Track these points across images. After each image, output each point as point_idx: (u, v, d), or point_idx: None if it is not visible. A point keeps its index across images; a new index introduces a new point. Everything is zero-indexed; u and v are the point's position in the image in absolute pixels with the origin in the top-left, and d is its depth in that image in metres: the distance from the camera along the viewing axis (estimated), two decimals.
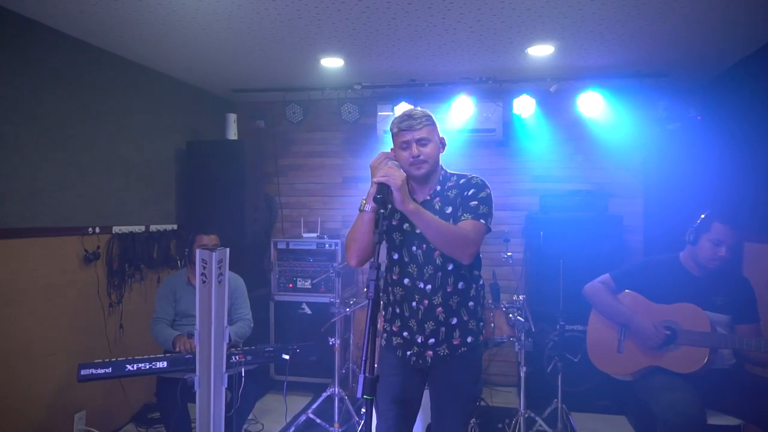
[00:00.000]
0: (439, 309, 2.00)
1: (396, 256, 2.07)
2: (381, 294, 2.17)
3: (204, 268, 2.41)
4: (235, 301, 3.35)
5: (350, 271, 4.42)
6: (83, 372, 2.54)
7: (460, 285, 2.01)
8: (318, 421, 3.53)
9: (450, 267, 1.99)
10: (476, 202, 1.97)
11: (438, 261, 1.99)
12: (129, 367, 2.61)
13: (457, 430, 2.04)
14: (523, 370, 3.19)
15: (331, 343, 3.54)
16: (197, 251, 2.43)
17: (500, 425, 3.47)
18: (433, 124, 2.01)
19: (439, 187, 2.05)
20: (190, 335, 2.95)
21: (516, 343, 3.13)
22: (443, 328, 2.01)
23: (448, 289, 2.00)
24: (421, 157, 1.96)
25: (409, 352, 2.05)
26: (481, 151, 4.62)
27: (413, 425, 2.09)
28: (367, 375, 1.62)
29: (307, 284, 4.36)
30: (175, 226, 4.14)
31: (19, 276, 2.90)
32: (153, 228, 3.90)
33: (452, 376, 2.04)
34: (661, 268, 2.69)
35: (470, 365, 2.06)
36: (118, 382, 3.41)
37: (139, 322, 3.59)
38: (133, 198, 3.76)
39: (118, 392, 3.51)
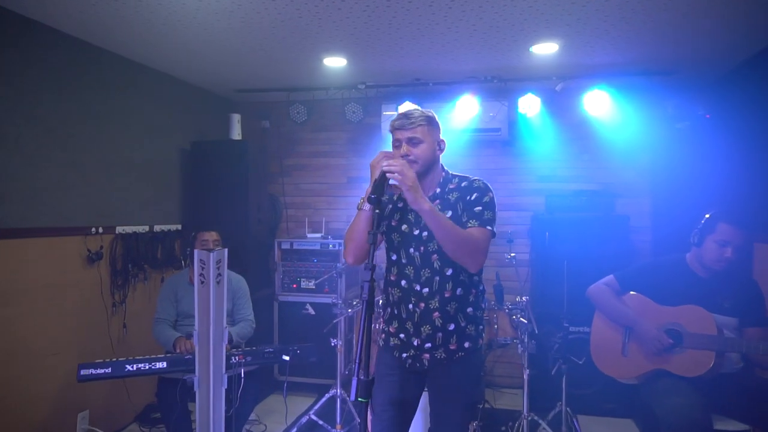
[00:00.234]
0: (436, 314, 1.96)
1: (394, 257, 2.04)
2: (381, 294, 2.15)
3: (202, 268, 2.40)
4: (237, 302, 3.35)
5: (354, 271, 4.40)
6: (83, 372, 2.54)
7: (459, 291, 1.97)
8: (320, 422, 3.51)
9: (449, 272, 1.95)
10: (480, 208, 1.93)
11: (436, 265, 1.96)
12: (128, 367, 2.61)
13: None
14: (526, 372, 3.15)
15: (333, 344, 3.52)
16: (195, 251, 2.42)
17: (503, 428, 3.43)
18: (431, 124, 1.96)
19: (439, 189, 2.01)
20: (189, 336, 2.95)
21: (519, 345, 3.09)
22: (440, 334, 1.97)
23: (446, 295, 1.96)
24: (411, 158, 1.92)
25: (405, 355, 2.02)
26: (487, 151, 4.58)
27: (409, 428, 2.06)
28: (361, 377, 1.60)
29: (311, 285, 4.35)
30: (179, 227, 4.14)
31: (21, 276, 2.91)
32: (157, 228, 3.90)
33: (451, 379, 2.01)
34: (666, 270, 2.64)
35: (469, 369, 2.03)
36: (121, 382, 3.42)
37: (143, 322, 3.60)
38: (136, 198, 3.76)
39: (121, 392, 3.52)
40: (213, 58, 3.67)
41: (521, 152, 4.56)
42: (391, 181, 1.83)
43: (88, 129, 3.35)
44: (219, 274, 2.43)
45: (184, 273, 3.39)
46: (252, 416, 3.58)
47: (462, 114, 4.17)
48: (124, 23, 2.99)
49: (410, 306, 1.99)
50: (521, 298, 3.24)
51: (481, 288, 2.07)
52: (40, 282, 3.02)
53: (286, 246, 4.47)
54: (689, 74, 3.99)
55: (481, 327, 2.06)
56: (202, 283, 2.41)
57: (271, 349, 2.84)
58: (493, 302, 3.31)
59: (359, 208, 1.93)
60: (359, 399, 1.61)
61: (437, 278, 1.95)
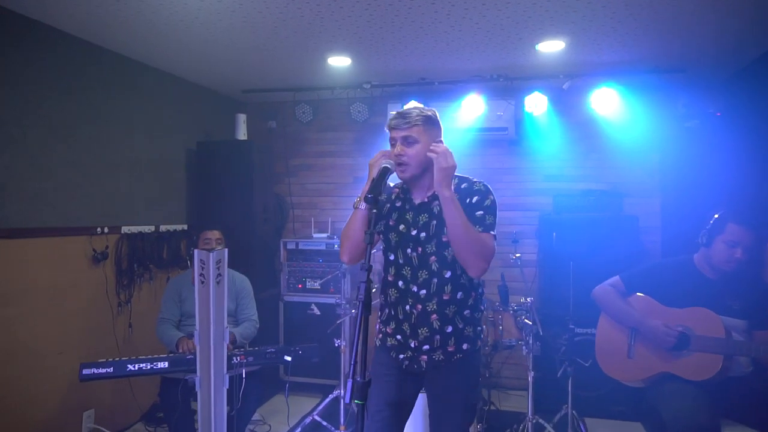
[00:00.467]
0: (434, 316, 1.93)
1: (392, 257, 2.02)
2: (380, 294, 2.13)
3: (202, 268, 2.40)
4: (241, 302, 3.35)
5: (358, 271, 4.38)
6: (85, 371, 2.56)
7: (459, 295, 1.94)
8: (324, 423, 3.50)
9: (447, 275, 1.92)
10: (482, 212, 1.89)
11: (434, 267, 1.92)
12: (130, 367, 2.62)
13: None
14: (530, 374, 3.11)
15: (337, 344, 3.50)
16: (195, 251, 2.42)
17: (507, 431, 3.39)
18: (428, 124, 1.91)
19: None
20: (190, 336, 2.95)
21: (524, 347, 3.06)
22: (438, 336, 1.94)
23: (445, 297, 1.93)
24: (404, 158, 1.89)
25: (402, 356, 2.00)
26: (493, 150, 4.54)
27: (404, 428, 2.03)
28: (357, 379, 1.58)
29: (317, 285, 4.34)
30: (185, 227, 4.16)
31: (26, 276, 2.93)
32: (163, 228, 3.92)
33: (449, 381, 1.98)
34: (673, 271, 2.59)
35: (468, 370, 2.00)
36: (126, 381, 3.43)
37: (149, 322, 3.60)
38: (142, 198, 3.78)
39: (126, 391, 3.53)
40: (217, 59, 3.68)
41: (528, 151, 4.51)
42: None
43: (93, 129, 3.37)
44: (219, 274, 2.43)
45: (188, 273, 3.39)
46: (257, 416, 3.58)
47: (468, 113, 4.13)
48: (126, 24, 3.00)
49: (407, 307, 1.97)
50: (526, 299, 3.20)
51: (480, 290, 2.04)
52: (46, 282, 3.04)
53: (291, 246, 4.47)
54: (700, 72, 3.92)
55: (479, 328, 2.03)
56: (202, 283, 2.41)
57: (273, 350, 2.83)
58: (497, 303, 3.27)
59: (355, 207, 1.91)
60: (355, 401, 1.60)
61: (435, 280, 1.93)
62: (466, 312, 1.97)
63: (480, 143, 4.42)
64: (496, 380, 4.34)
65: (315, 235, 4.53)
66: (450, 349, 1.96)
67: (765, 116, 3.38)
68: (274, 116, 4.88)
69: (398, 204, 2.03)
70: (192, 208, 4.30)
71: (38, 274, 3.00)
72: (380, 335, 2.09)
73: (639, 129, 4.20)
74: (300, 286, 4.40)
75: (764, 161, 3.37)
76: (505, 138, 4.39)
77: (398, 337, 2.00)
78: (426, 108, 1.97)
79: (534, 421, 3.15)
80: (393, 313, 2.02)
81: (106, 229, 3.41)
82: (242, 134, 4.43)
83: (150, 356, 2.69)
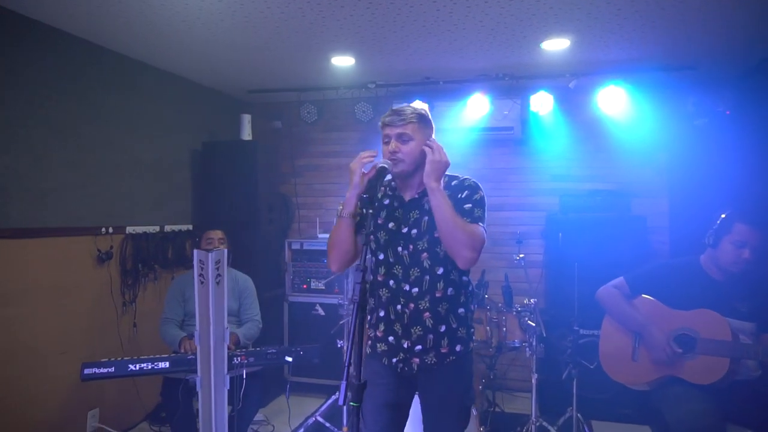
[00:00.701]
0: (427, 314, 1.91)
1: (381, 256, 1.99)
2: (368, 297, 2.10)
3: (202, 268, 2.40)
4: (244, 302, 3.35)
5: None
6: (86, 371, 2.56)
7: (450, 291, 1.93)
8: (327, 424, 3.49)
9: (440, 271, 1.91)
10: (471, 205, 1.90)
11: (426, 264, 1.91)
12: (132, 367, 2.62)
13: None
14: (534, 376, 3.07)
15: (339, 345, 3.49)
16: (195, 251, 2.42)
17: None
18: (423, 122, 1.93)
19: None
20: (191, 336, 2.95)
21: (527, 349, 3.02)
22: (431, 336, 1.92)
23: (437, 295, 1.91)
24: (398, 155, 1.90)
25: (395, 359, 1.97)
26: (499, 150, 4.50)
27: (403, 430, 2.01)
28: (353, 381, 1.56)
29: (321, 285, 4.33)
30: (190, 227, 4.17)
31: (31, 276, 2.95)
32: (168, 228, 3.93)
33: (442, 385, 1.95)
34: (679, 272, 2.53)
35: (461, 373, 1.97)
36: (131, 381, 3.45)
37: (153, 322, 3.60)
38: (147, 198, 3.79)
39: (131, 391, 3.55)
40: (220, 58, 3.68)
41: (534, 151, 4.46)
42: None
43: (97, 129, 3.38)
44: (218, 275, 2.42)
45: (191, 273, 3.37)
46: (260, 416, 3.58)
47: (473, 112, 4.10)
48: (127, 25, 3.01)
49: (399, 307, 1.94)
50: (530, 301, 3.16)
51: (470, 289, 2.02)
52: (50, 282, 3.06)
53: (296, 246, 4.47)
54: (710, 69, 3.85)
55: (471, 329, 2.01)
56: (202, 283, 2.40)
57: (274, 350, 2.82)
58: (501, 304, 3.24)
59: (339, 215, 1.92)
60: (351, 403, 1.58)
61: (427, 277, 1.91)
62: (460, 310, 1.95)
63: (485, 143, 4.38)
64: (501, 382, 4.29)
65: (320, 235, 4.52)
66: (443, 350, 1.93)
67: None
68: (280, 116, 4.88)
69: (386, 202, 2.02)
70: (197, 209, 4.31)
71: (41, 274, 3.01)
72: (369, 342, 2.06)
73: (647, 128, 4.14)
74: (305, 286, 4.40)
75: None
76: (510, 137, 4.35)
77: (390, 338, 1.97)
78: (418, 107, 1.98)
79: (538, 423, 3.12)
80: (383, 314, 1.99)
81: (110, 230, 3.43)
82: (247, 134, 4.43)
83: (152, 356, 2.69)
